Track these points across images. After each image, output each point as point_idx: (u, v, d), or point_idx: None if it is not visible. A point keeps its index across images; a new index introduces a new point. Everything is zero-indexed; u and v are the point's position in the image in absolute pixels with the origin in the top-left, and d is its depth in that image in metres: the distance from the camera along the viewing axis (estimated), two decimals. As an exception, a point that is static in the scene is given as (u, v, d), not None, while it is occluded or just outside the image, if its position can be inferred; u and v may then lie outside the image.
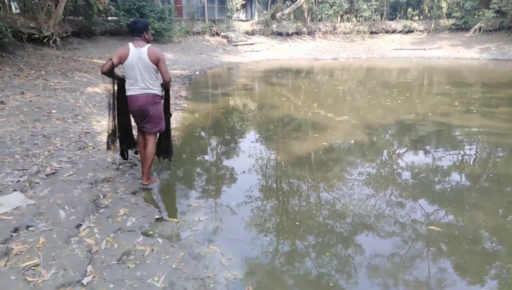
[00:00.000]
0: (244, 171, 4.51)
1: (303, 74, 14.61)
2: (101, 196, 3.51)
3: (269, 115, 7.55)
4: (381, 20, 24.76)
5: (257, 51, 20.57)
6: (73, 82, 8.52)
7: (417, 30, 24.15)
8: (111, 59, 3.41)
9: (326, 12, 23.85)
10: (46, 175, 3.77)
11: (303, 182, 4.26)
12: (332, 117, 7.20)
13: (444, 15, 24.15)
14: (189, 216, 3.34)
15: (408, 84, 11.58)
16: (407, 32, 24.10)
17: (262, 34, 22.78)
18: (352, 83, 12.02)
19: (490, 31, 21.42)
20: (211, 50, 19.01)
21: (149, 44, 3.53)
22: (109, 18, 16.75)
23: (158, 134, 3.90)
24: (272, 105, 8.40)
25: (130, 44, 3.48)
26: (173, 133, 5.35)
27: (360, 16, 24.19)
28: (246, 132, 6.47)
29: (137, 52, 3.44)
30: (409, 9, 26.94)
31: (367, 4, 24.17)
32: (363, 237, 3.08)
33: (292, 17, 24.64)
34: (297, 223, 3.28)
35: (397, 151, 5.41)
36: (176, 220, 3.24)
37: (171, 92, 4.74)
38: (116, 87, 3.78)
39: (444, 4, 24.31)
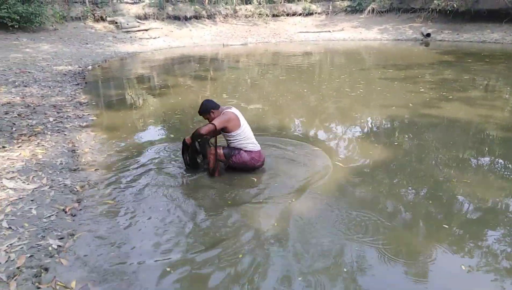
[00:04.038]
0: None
1: (224, 62, 12.59)
2: None
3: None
4: (281, 2, 23.89)
5: (155, 38, 17.66)
6: None
7: (316, 13, 23.97)
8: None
9: (221, -7, 21.91)
10: None
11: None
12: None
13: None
14: None
15: (348, 70, 10.58)
16: (307, 15, 23.74)
17: (157, 19, 19.75)
18: (295, 73, 10.48)
19: (382, 12, 22.31)
20: (99, 39, 15.45)
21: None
22: None
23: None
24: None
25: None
26: (92, 179, 3.09)
27: (262, -2, 22.89)
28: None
29: None
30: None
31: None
32: None
33: (188, -1, 22.05)
34: None
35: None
36: None
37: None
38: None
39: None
